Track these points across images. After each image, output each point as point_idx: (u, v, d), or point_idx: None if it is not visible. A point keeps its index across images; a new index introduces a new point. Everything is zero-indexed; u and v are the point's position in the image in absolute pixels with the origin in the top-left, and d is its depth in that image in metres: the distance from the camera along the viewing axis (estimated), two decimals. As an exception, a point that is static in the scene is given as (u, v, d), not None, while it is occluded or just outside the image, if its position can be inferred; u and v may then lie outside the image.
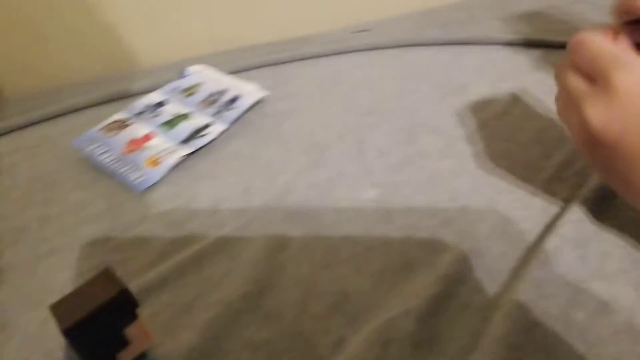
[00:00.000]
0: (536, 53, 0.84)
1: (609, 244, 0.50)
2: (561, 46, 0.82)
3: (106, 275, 0.28)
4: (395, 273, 0.51)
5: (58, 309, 0.27)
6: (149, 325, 0.28)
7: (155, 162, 0.70)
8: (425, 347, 0.44)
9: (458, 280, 0.49)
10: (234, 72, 0.91)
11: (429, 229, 0.56)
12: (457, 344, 0.44)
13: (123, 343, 0.27)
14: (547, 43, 0.84)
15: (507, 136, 0.66)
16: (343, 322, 0.47)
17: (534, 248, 0.51)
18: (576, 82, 0.44)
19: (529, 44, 0.86)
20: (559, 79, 0.47)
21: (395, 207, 0.59)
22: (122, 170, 0.69)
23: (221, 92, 0.82)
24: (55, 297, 0.34)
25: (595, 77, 0.42)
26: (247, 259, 0.55)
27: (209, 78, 0.86)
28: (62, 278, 0.56)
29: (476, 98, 0.74)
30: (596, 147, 0.42)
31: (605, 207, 0.54)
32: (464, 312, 0.46)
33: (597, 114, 0.41)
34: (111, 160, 0.71)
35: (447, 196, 0.59)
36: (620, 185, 0.43)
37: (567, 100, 0.45)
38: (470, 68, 0.82)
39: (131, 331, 0.27)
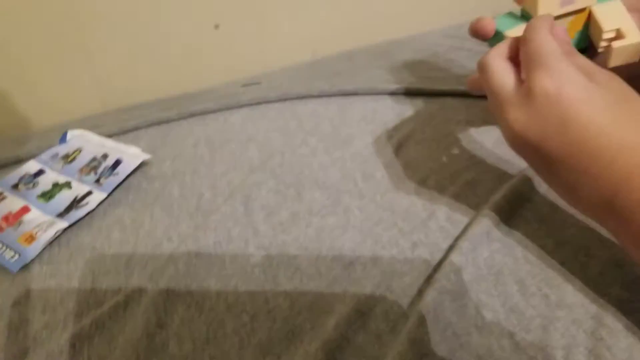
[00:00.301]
0: (418, 102, 0.87)
1: (484, 294, 0.51)
2: (441, 94, 0.86)
3: None
4: (279, 343, 0.50)
5: None
6: None
7: (30, 239, 0.66)
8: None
9: (340, 346, 0.49)
10: (121, 132, 0.88)
11: (314, 290, 0.55)
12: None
13: None
14: (427, 91, 0.88)
15: (391, 187, 0.68)
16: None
17: (415, 303, 0.51)
18: (500, 81, 0.44)
19: (411, 93, 0.89)
20: (485, 72, 0.47)
21: (282, 269, 0.58)
22: (-6, 249, 0.65)
23: (103, 157, 0.79)
24: None
25: (526, 73, 0.43)
26: (126, 340, 0.52)
27: (90, 142, 0.83)
28: None
29: (361, 150, 0.76)
30: (523, 148, 0.42)
31: (482, 255, 0.55)
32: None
33: (517, 118, 0.41)
34: (-18, 240, 0.66)
35: (333, 254, 0.59)
36: (552, 184, 0.44)
37: (491, 99, 0.45)
38: (355, 119, 0.84)
39: None
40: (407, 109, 0.85)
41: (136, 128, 0.90)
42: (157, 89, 1.03)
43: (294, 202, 0.68)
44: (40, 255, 0.65)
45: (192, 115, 0.91)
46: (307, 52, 1.11)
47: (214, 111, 0.91)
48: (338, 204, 0.67)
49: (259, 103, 0.92)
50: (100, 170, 0.76)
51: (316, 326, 0.51)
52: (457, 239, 0.57)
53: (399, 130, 0.79)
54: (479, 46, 0.59)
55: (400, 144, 0.75)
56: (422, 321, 0.48)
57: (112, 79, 1.03)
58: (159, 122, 0.90)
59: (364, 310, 0.52)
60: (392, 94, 0.89)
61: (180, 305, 0.55)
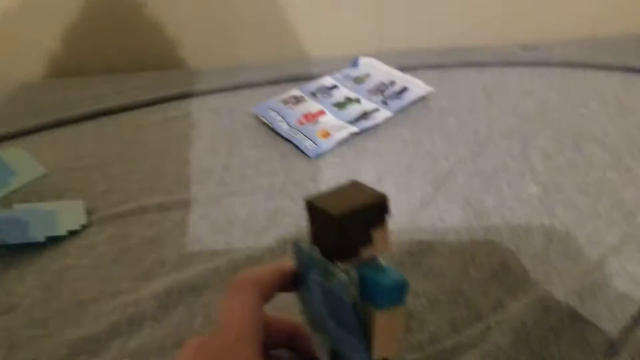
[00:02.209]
0: None
1: None
2: None
3: (357, 185, 0.33)
4: (554, 258, 0.53)
5: (318, 201, 0.32)
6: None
7: (326, 135, 0.77)
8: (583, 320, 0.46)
9: (618, 273, 0.50)
10: (400, 69, 0.96)
11: (590, 227, 0.57)
12: (614, 324, 0.45)
13: (368, 242, 0.32)
14: None
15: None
16: (503, 289, 0.50)
17: None
18: None
19: None
20: None
21: (559, 204, 0.60)
22: (297, 137, 0.77)
23: (390, 83, 0.87)
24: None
25: None
26: (410, 224, 0.59)
27: (378, 70, 0.92)
28: (243, 214, 0.64)
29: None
30: None
31: None
32: (623, 299, 0.48)
33: None
34: (288, 128, 0.79)
35: (612, 201, 0.60)
36: None
37: None
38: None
39: (377, 235, 0.32)
40: None
41: (414, 68, 0.97)
42: (433, 39, 1.10)
43: (572, 152, 0.69)
44: (332, 150, 0.75)
45: (470, 64, 0.96)
46: (586, 27, 1.09)
47: (491, 64, 0.95)
48: (619, 162, 0.66)
49: (538, 65, 0.93)
50: (387, 93, 0.85)
51: (593, 252, 0.53)
52: None
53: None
54: None
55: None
56: None
57: (390, 25, 1.12)
58: (437, 67, 0.97)
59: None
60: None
61: (458, 210, 0.61)
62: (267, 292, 0.36)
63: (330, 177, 0.70)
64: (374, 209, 0.31)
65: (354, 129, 0.77)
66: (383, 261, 0.33)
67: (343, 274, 0.32)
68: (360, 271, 0.32)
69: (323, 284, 0.34)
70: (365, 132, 0.78)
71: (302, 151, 0.75)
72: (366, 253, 0.32)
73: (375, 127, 0.79)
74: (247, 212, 0.64)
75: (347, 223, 0.30)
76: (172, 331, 0.50)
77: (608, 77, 0.88)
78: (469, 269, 0.52)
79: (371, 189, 0.32)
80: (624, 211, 0.59)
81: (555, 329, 0.45)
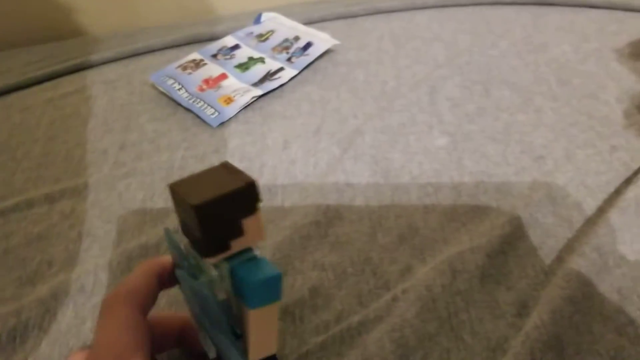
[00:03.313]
0: (622, 16, 0.80)
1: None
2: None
3: (227, 168, 0.29)
4: (464, 213, 0.51)
5: (181, 187, 0.28)
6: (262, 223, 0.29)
7: (228, 101, 0.72)
8: (493, 280, 0.44)
9: (529, 224, 0.48)
10: (307, 23, 0.91)
11: (501, 175, 0.55)
12: (525, 281, 0.44)
13: (239, 232, 0.28)
14: (630, 7, 0.81)
15: (589, 94, 0.64)
16: (411, 253, 0.47)
17: (613, 199, 0.50)
18: None
19: (615, 7, 0.82)
20: None
21: (467, 154, 0.58)
22: (198, 105, 0.71)
23: (294, 39, 0.82)
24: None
25: None
26: (316, 191, 0.56)
27: (283, 25, 0.87)
28: (139, 197, 0.59)
29: (557, 56, 0.72)
30: None
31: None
32: (534, 252, 0.46)
33: None
34: (187, 96, 0.73)
35: (522, 147, 0.58)
36: None
37: None
38: (550, 28, 0.80)
39: (248, 224, 0.28)
40: (609, 23, 0.79)
41: (322, 19, 0.92)
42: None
43: (481, 97, 0.67)
44: (236, 116, 0.70)
45: (378, 12, 0.92)
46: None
47: (399, 10, 0.91)
48: (529, 104, 0.65)
49: (446, 5, 0.90)
50: (292, 50, 0.80)
51: (503, 205, 0.51)
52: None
53: (601, 43, 0.74)
54: None
55: (602, 55, 0.71)
56: (622, 212, 0.47)
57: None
58: (345, 16, 0.92)
59: (556, 197, 0.51)
60: (595, 7, 0.83)
61: (366, 170, 0.58)
62: (146, 302, 0.33)
63: (234, 147, 0.65)
64: (241, 196, 0.27)
65: (258, 91, 0.73)
66: (258, 252, 0.29)
67: (212, 269, 0.29)
68: (232, 265, 0.28)
69: (190, 280, 0.30)
70: (270, 94, 0.74)
71: (204, 120, 0.70)
72: (237, 244, 0.28)
73: (281, 88, 0.75)
74: (144, 195, 0.59)
75: (207, 212, 0.26)
76: (60, 339, 0.45)
77: (518, 13, 0.86)
78: (376, 234, 0.50)
79: (241, 174, 0.28)
80: (534, 156, 0.57)
81: (463, 292, 0.43)
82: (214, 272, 0.29)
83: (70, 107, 0.78)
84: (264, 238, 0.29)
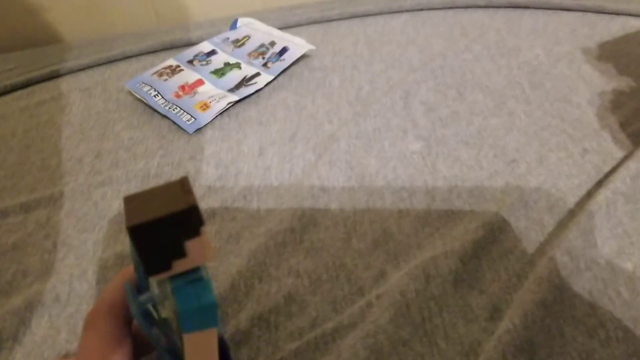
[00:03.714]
0: (595, 19, 0.81)
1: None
2: (623, 14, 0.80)
3: (182, 185, 0.29)
4: (438, 218, 0.51)
5: (131, 202, 0.28)
6: (210, 246, 0.28)
7: (204, 107, 0.71)
8: (466, 285, 0.45)
9: (501, 228, 0.49)
10: (283, 28, 0.91)
11: (474, 180, 0.56)
12: (498, 284, 0.44)
13: (181, 254, 0.28)
14: (602, 10, 0.82)
15: (562, 97, 0.66)
16: (385, 259, 0.48)
17: (584, 202, 0.51)
18: None
19: (588, 11, 0.84)
20: None
21: (441, 158, 0.59)
22: (174, 112, 0.71)
23: (270, 44, 0.83)
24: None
25: None
26: (292, 197, 0.56)
27: (258, 30, 0.87)
28: (115, 205, 0.58)
29: (530, 60, 0.73)
30: None
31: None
32: (507, 256, 0.47)
33: None
34: (164, 103, 0.73)
35: (494, 151, 0.59)
36: None
37: None
38: (524, 31, 0.81)
39: (191, 246, 0.28)
40: (581, 25, 0.80)
41: (298, 24, 0.92)
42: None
43: (455, 101, 0.68)
44: (212, 122, 0.70)
45: (353, 16, 0.92)
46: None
47: (374, 14, 0.92)
48: (502, 107, 0.66)
49: (421, 9, 0.91)
50: (267, 55, 0.80)
51: (476, 209, 0.52)
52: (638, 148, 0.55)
53: (573, 46, 0.75)
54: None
55: (574, 58, 0.72)
56: (591, 216, 0.48)
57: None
58: (320, 21, 0.92)
59: (528, 201, 0.52)
60: (568, 9, 0.84)
61: (341, 176, 0.58)
62: (127, 312, 0.33)
63: (210, 153, 0.65)
64: (180, 220, 0.27)
65: (234, 97, 0.73)
66: (204, 272, 0.29)
67: (155, 288, 0.29)
68: (174, 285, 0.28)
69: (133, 297, 0.30)
70: (246, 100, 0.74)
71: (180, 127, 0.70)
72: (179, 265, 0.28)
73: (257, 94, 0.75)
74: (120, 204, 0.59)
75: (141, 234, 0.26)
76: (34, 350, 0.45)
77: (492, 17, 0.87)
78: (351, 240, 0.50)
79: (188, 195, 0.28)
80: (506, 160, 0.58)
81: (437, 297, 0.44)
82: (155, 290, 0.29)
83: (46, 115, 0.77)
84: (211, 260, 0.29)
